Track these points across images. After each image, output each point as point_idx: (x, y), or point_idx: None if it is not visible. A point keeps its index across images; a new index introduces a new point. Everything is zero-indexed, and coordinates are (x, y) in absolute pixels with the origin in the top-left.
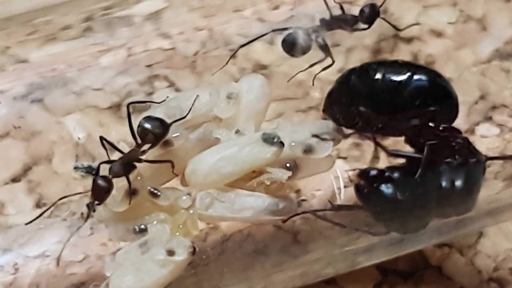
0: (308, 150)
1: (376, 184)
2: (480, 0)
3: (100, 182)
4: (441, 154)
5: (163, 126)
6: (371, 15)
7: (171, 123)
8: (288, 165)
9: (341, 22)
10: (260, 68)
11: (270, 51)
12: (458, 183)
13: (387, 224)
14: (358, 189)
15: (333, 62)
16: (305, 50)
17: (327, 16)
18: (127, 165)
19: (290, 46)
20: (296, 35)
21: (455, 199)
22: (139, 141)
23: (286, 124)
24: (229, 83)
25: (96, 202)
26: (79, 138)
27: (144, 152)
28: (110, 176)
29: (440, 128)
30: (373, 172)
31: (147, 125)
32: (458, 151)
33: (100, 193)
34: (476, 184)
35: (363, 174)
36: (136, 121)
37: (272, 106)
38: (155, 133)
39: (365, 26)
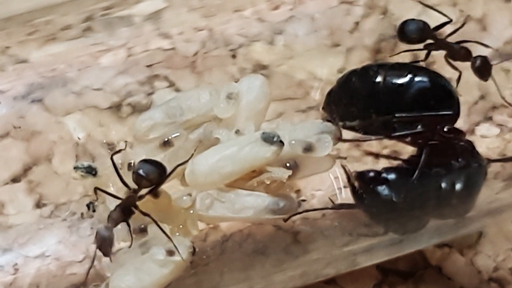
0: (308, 148)
1: (373, 185)
2: (480, 0)
3: (103, 233)
4: (441, 156)
5: (159, 169)
6: (482, 68)
7: (172, 170)
8: (288, 164)
9: (453, 49)
10: (260, 68)
11: (270, 51)
12: (458, 186)
13: (384, 225)
14: (354, 190)
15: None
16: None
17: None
18: (125, 211)
19: (402, 31)
20: (412, 26)
21: (454, 201)
22: (135, 186)
23: (286, 124)
24: (229, 83)
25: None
26: (79, 138)
27: (141, 197)
28: (110, 225)
29: (445, 130)
30: (370, 174)
31: (142, 172)
32: (460, 153)
33: (104, 245)
34: (476, 187)
35: (360, 175)
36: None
37: (272, 106)
38: (150, 179)
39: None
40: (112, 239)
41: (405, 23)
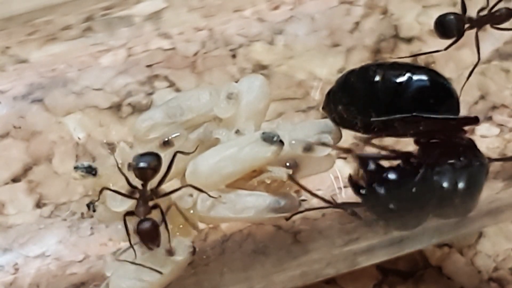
0: (308, 148)
1: (374, 181)
2: (480, 0)
3: (146, 225)
4: (443, 154)
5: (154, 156)
6: None
7: (172, 158)
8: (288, 164)
9: (495, 16)
10: (260, 68)
11: (270, 51)
12: (460, 185)
13: (385, 222)
14: (355, 186)
15: (479, 59)
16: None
17: None
18: (147, 205)
19: (440, 27)
20: (449, 19)
21: (456, 200)
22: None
23: (286, 124)
24: (229, 83)
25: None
26: (79, 138)
27: (153, 191)
28: (143, 218)
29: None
30: (371, 167)
31: (142, 164)
32: (461, 152)
33: (151, 236)
34: (479, 186)
35: (362, 163)
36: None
37: (272, 106)
38: (152, 167)
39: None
40: (154, 229)
41: (441, 20)
